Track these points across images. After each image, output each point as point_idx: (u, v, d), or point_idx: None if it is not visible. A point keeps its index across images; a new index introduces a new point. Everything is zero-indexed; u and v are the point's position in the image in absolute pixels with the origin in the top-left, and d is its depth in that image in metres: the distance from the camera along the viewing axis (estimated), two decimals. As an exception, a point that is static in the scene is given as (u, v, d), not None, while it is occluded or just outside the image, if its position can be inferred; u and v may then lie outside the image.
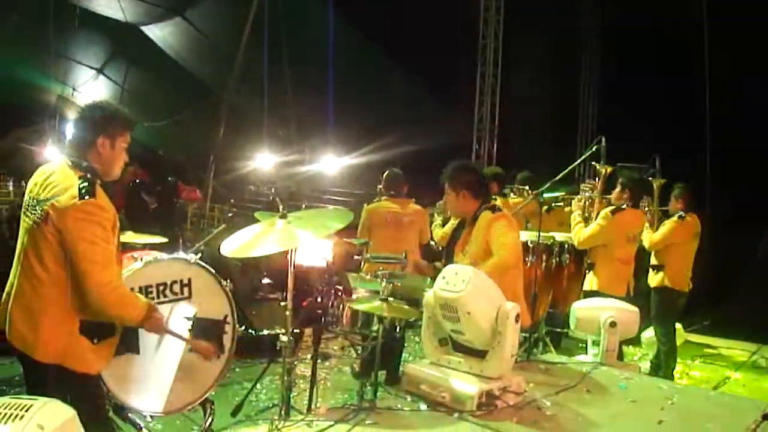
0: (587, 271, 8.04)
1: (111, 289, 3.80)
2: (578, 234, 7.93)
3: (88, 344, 3.87)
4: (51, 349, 3.77)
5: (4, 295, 3.95)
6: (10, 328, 3.86)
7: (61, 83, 22.29)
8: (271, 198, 16.32)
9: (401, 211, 8.51)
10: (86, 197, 3.75)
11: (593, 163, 8.62)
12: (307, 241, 5.12)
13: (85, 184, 3.78)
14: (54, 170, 3.94)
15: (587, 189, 8.36)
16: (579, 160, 8.87)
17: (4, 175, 19.66)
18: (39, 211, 3.81)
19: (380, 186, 8.90)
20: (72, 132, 4.09)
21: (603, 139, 8.26)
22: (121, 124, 4.08)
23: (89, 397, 3.91)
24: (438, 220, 8.75)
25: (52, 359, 3.77)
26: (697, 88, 12.73)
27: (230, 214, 17.77)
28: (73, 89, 22.93)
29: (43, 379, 3.80)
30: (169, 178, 8.75)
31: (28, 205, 3.90)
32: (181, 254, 5.19)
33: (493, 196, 7.08)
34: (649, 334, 8.72)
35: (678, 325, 8.93)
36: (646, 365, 8.67)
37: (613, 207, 7.88)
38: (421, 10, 14.26)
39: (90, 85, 22.89)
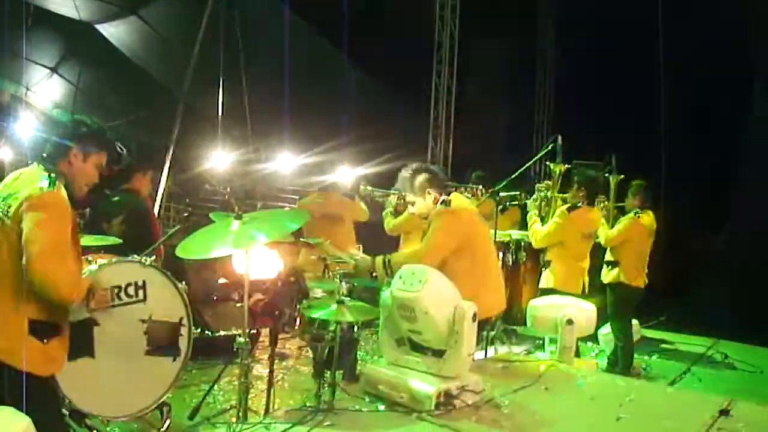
0: (543, 269, 8.09)
1: (53, 271, 3.74)
2: (535, 233, 7.99)
3: (38, 345, 3.82)
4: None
5: None
6: None
7: (14, 83, 22.03)
8: (226, 197, 16.24)
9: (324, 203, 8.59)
10: (44, 187, 3.82)
11: (548, 162, 8.67)
12: (258, 254, 5.12)
13: (50, 179, 3.87)
14: (24, 171, 4.04)
15: (542, 189, 8.40)
16: (534, 159, 8.89)
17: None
18: (3, 206, 3.84)
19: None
20: (50, 138, 4.12)
21: (559, 138, 8.30)
22: (98, 144, 4.19)
23: (44, 402, 3.87)
24: (389, 207, 8.67)
25: None
26: (652, 85, 12.82)
27: (185, 214, 17.66)
28: (27, 88, 22.64)
29: None
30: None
31: None
32: (135, 256, 5.14)
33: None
34: (605, 330, 8.78)
35: (634, 321, 8.99)
36: (603, 362, 8.74)
37: (568, 205, 7.94)
38: (377, 8, 14.26)
39: (44, 85, 22.59)
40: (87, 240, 6.44)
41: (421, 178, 5.92)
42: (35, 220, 3.73)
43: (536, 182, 8.98)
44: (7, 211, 3.81)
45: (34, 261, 3.69)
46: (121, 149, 5.33)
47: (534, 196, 8.37)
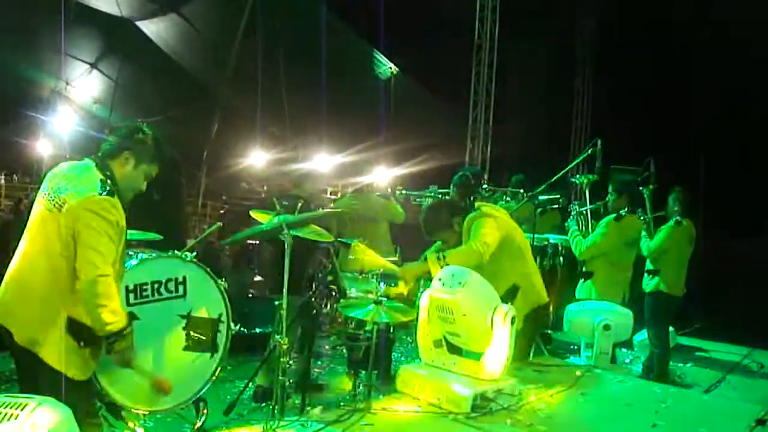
0: (583, 280, 8.03)
1: (102, 279, 3.76)
2: (578, 245, 7.95)
3: (73, 345, 3.86)
4: (30, 331, 3.80)
5: (6, 275, 3.97)
6: (2, 305, 3.90)
7: (54, 77, 22.24)
8: (263, 195, 16.34)
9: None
10: (104, 194, 3.85)
11: (582, 174, 8.62)
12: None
13: (106, 186, 3.90)
14: (79, 167, 4.04)
15: (576, 206, 8.38)
16: (574, 163, 8.82)
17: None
18: (56, 198, 3.87)
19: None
20: (108, 138, 4.17)
21: (599, 142, 8.25)
22: (152, 155, 4.20)
23: (80, 397, 3.88)
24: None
25: (28, 344, 3.79)
26: (691, 90, 12.75)
27: (222, 211, 17.79)
28: (67, 83, 22.86)
29: (32, 374, 3.83)
30: (178, 176, 8.72)
31: (46, 192, 3.95)
32: (176, 252, 5.17)
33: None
34: (641, 337, 8.72)
35: (670, 329, 8.93)
36: (639, 368, 8.69)
37: (614, 215, 7.90)
38: (415, 9, 14.26)
39: (83, 80, 22.81)
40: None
41: (443, 214, 5.95)
42: (93, 225, 3.77)
43: (574, 185, 8.93)
44: (61, 206, 3.83)
45: (88, 267, 3.73)
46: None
47: (572, 216, 8.34)
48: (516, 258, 5.85)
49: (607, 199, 8.20)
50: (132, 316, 4.11)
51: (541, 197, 8.40)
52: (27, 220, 4.00)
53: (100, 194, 3.83)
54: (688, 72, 12.80)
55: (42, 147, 23.05)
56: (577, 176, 8.39)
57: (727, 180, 12.41)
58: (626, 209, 7.93)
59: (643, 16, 13.55)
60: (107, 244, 3.80)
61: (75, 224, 3.76)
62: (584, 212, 8.31)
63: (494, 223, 5.75)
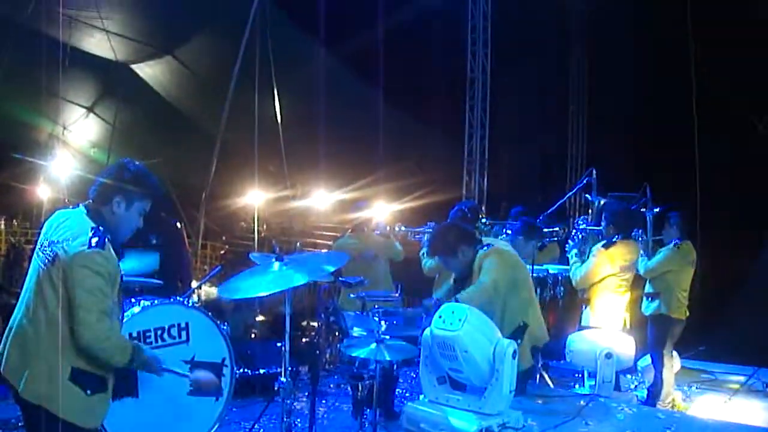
0: (584, 307, 8.06)
1: (102, 340, 3.78)
2: (574, 274, 7.99)
3: (80, 394, 3.85)
4: (36, 388, 3.78)
5: (6, 329, 3.98)
6: (5, 362, 3.91)
7: (51, 122, 22.31)
8: (263, 235, 16.38)
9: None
10: (95, 247, 3.80)
11: (586, 195, 8.67)
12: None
13: (96, 235, 3.84)
14: (71, 215, 4.01)
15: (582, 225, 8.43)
16: (570, 193, 8.90)
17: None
18: (49, 252, 3.86)
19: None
20: (97, 182, 4.11)
21: (593, 171, 8.31)
22: (142, 192, 4.11)
23: None
24: (425, 248, 8.68)
25: (34, 399, 3.78)
26: (685, 116, 12.81)
27: (222, 252, 17.81)
28: (64, 128, 22.91)
29: (36, 426, 3.80)
30: (176, 222, 8.75)
31: (41, 245, 3.95)
32: (177, 298, 5.21)
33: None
34: (645, 362, 8.72)
35: (674, 352, 8.94)
36: (643, 393, 8.69)
37: (604, 241, 7.94)
38: (409, 44, 14.37)
39: (80, 124, 22.86)
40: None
41: (451, 237, 5.96)
42: (84, 284, 3.74)
43: (572, 216, 8.99)
44: (53, 260, 3.83)
45: (84, 328, 3.73)
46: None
47: (574, 236, 8.38)
48: (523, 295, 5.89)
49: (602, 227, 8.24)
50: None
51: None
52: (16, 262, 4.03)
53: (90, 248, 3.79)
54: (682, 96, 12.86)
55: (41, 191, 23.11)
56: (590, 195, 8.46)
57: (726, 199, 12.46)
58: (617, 236, 7.95)
59: (635, 42, 13.64)
60: (101, 302, 3.78)
61: (67, 281, 3.76)
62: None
63: (505, 261, 5.79)
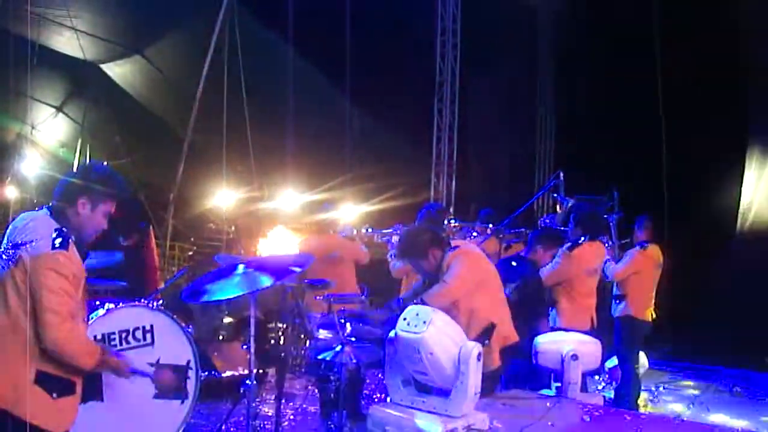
0: (550, 309, 8.08)
1: (67, 342, 3.76)
2: (543, 271, 8.01)
3: (46, 398, 3.80)
4: (0, 392, 3.73)
5: None
6: None
7: (19, 121, 22.16)
8: (230, 236, 16.34)
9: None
10: (58, 248, 3.78)
11: (554, 194, 8.70)
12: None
13: (60, 236, 3.82)
14: (35, 217, 3.98)
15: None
16: (538, 194, 8.93)
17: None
18: (12, 254, 3.82)
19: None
20: (62, 182, 4.09)
21: (561, 174, 8.34)
22: (106, 193, 4.09)
23: None
24: (392, 250, 8.64)
25: (0, 403, 3.73)
26: (652, 119, 12.90)
27: (190, 253, 17.71)
28: (32, 127, 22.78)
29: (3, 431, 3.74)
30: (143, 223, 8.68)
31: (5, 249, 3.91)
32: (142, 300, 5.18)
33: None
34: (612, 363, 8.77)
35: (641, 354, 8.99)
36: (610, 394, 8.73)
37: (569, 243, 7.96)
38: (378, 47, 14.38)
39: (49, 123, 22.74)
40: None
41: (423, 241, 5.93)
42: (48, 285, 3.72)
43: (539, 218, 9.01)
44: (17, 262, 3.79)
45: (49, 330, 3.70)
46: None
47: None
48: (491, 295, 5.89)
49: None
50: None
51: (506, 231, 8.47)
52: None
53: (54, 249, 3.77)
54: (650, 100, 12.94)
55: (9, 192, 22.95)
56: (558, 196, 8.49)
57: (691, 202, 12.57)
58: (583, 238, 7.97)
59: (604, 45, 13.71)
60: (66, 303, 3.76)
61: (31, 282, 3.73)
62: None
63: (472, 262, 5.80)
